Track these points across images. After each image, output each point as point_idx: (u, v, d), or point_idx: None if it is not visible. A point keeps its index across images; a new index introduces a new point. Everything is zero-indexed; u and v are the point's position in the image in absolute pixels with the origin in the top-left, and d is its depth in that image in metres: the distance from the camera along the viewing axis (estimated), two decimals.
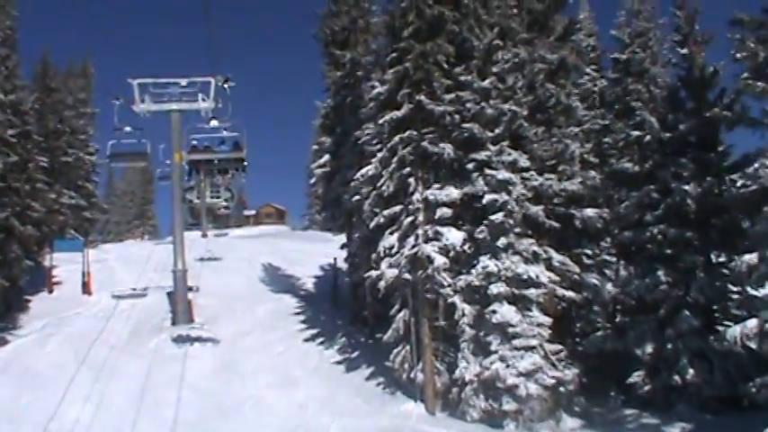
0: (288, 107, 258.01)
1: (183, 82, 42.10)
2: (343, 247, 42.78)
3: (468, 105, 28.76)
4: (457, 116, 29.34)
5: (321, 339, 38.47)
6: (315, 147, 46.23)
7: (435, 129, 29.63)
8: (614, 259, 31.38)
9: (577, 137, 29.68)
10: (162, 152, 51.60)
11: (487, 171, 27.52)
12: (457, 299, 28.23)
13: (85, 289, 47.55)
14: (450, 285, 28.29)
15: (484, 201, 27.33)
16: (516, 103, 28.29)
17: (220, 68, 42.56)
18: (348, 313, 42.33)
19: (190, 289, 43.85)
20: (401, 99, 29.74)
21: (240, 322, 41.38)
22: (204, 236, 71.25)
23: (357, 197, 32.75)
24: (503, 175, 27.14)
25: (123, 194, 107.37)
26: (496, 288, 27.11)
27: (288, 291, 49.39)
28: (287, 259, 60.47)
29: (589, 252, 30.02)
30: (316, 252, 63.23)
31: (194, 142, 43.68)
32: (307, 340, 38.55)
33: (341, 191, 40.13)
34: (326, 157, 42.37)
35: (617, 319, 30.28)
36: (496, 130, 28.27)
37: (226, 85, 41.05)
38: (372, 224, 30.57)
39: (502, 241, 27.31)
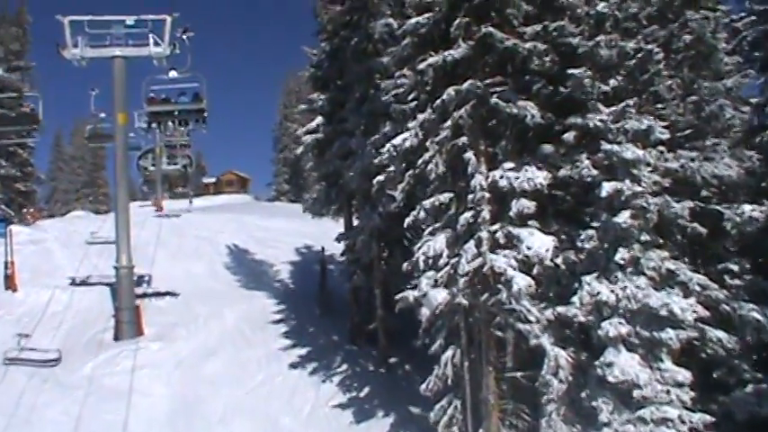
0: (250, 58, 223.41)
1: (130, 20, 30.62)
2: (339, 239, 31.44)
3: (572, 42, 17.59)
4: (547, 59, 18.29)
5: (314, 365, 27.41)
6: (302, 106, 34.11)
7: (509, 78, 18.61)
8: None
9: (730, 94, 18.82)
10: (93, 101, 39.56)
11: (605, 145, 16.61)
12: (545, 340, 17.46)
13: (8, 284, 35.72)
14: (537, 320, 17.49)
15: (602, 192, 16.42)
16: (646, 39, 17.30)
17: (177, 5, 30.97)
18: (344, 324, 31.22)
19: (140, 282, 33.31)
20: (456, 32, 18.59)
21: (204, 333, 30.27)
22: (158, 209, 60.32)
23: (379, 178, 21.59)
24: (632, 152, 16.25)
25: (71, 160, 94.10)
26: (612, 327, 16.49)
27: (261, 285, 38.33)
28: (255, 239, 49.13)
29: (735, 268, 19.21)
30: (288, 230, 52.50)
31: (152, 94, 34.05)
32: (294, 366, 27.46)
33: (338, 164, 29.08)
34: (319, 119, 30.67)
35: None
36: (612, 82, 17.30)
37: (185, 36, 31.15)
38: (408, 220, 19.58)
39: (622, 254, 16.62)
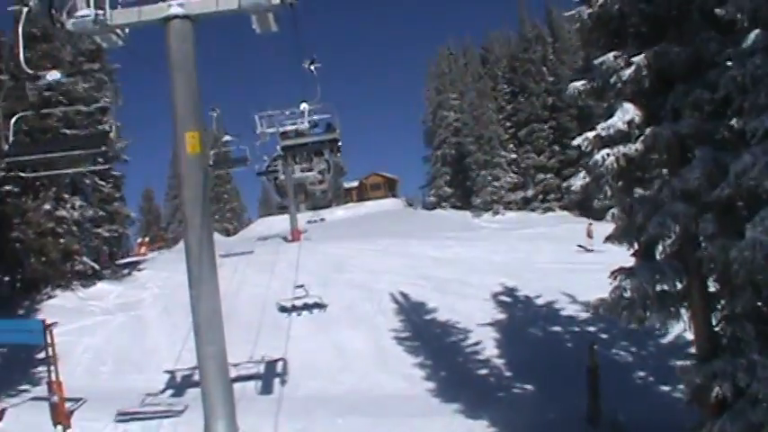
0: (389, 35, 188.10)
1: None
2: (692, 380, 14.06)
3: None
4: None
5: None
6: (578, 83, 16.02)
7: None
8: None
9: None
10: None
11: None
12: None
13: (56, 417, 20.20)
14: None
15: None
16: None
17: None
18: None
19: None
20: None
21: None
22: (295, 237, 45.35)
23: None
24: None
25: None
26: None
27: (465, 387, 21.92)
28: (432, 283, 32.68)
29: None
30: (472, 261, 36.33)
31: (282, 129, 35.08)
32: None
33: (683, 211, 11.98)
34: (626, 110, 12.79)
35: None
36: None
37: (312, 67, 30.38)
38: None
39: None
